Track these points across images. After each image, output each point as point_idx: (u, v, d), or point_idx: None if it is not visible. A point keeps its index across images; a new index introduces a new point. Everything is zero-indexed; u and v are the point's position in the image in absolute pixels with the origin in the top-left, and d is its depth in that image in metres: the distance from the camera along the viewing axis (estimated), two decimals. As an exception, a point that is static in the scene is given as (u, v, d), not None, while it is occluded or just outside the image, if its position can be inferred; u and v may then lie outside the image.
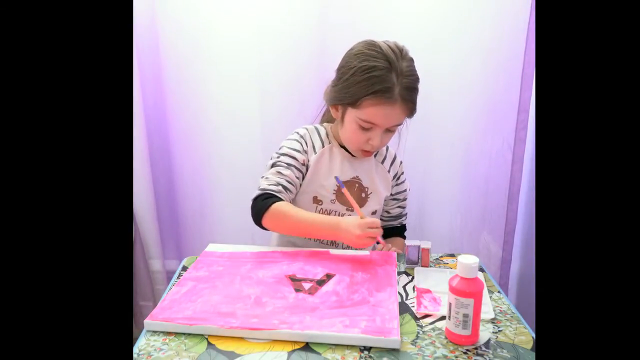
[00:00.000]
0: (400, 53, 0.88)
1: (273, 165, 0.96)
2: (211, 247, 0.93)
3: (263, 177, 0.95)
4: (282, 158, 0.96)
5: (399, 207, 1.08)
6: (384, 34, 1.23)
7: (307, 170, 0.97)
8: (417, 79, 0.89)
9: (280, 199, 0.91)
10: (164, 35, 1.29)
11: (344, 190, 0.91)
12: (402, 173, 1.06)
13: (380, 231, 0.85)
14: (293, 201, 0.98)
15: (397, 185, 1.06)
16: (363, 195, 1.00)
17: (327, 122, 1.04)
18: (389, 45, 0.88)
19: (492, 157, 1.34)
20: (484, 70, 1.27)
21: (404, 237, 1.11)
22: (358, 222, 0.84)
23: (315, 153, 0.98)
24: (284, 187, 0.93)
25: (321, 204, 0.99)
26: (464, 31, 1.24)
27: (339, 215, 0.99)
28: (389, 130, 0.93)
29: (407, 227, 1.13)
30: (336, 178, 0.94)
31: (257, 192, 0.92)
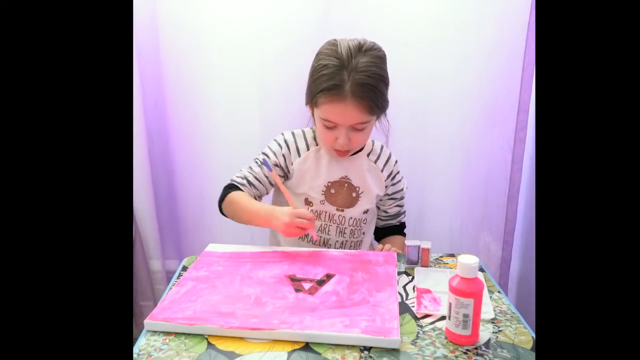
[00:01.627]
0: (359, 50, 0.87)
1: (253, 161, 1.03)
2: (211, 247, 0.93)
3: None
4: (259, 156, 1.02)
5: (397, 206, 1.08)
6: (384, 34, 1.24)
7: (291, 173, 1.01)
8: (373, 76, 0.87)
9: (239, 190, 0.98)
10: (164, 34, 1.29)
11: (274, 175, 0.93)
12: (398, 172, 1.06)
13: (311, 225, 0.86)
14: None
15: (393, 185, 1.06)
16: (354, 194, 1.01)
17: None
18: (348, 43, 0.88)
19: (492, 157, 1.34)
20: (484, 71, 1.27)
21: (404, 235, 1.12)
22: (289, 211, 0.87)
23: (300, 156, 1.00)
24: (248, 182, 1.00)
25: (312, 205, 1.01)
26: (464, 31, 1.24)
27: (329, 215, 1.01)
28: (356, 129, 0.91)
29: (406, 225, 1.13)
30: (265, 161, 0.96)
31: (225, 184, 1.00)
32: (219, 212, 1.01)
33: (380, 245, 1.01)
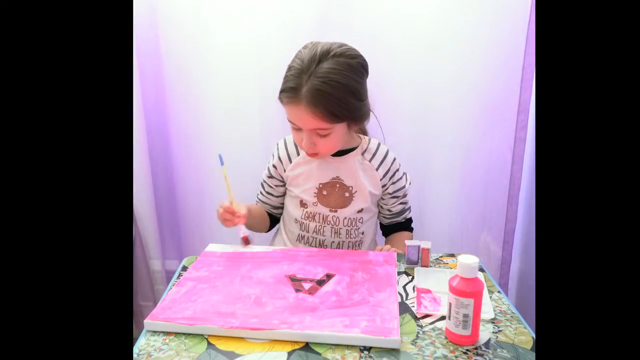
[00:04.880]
0: (325, 55, 0.85)
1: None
2: (211, 247, 0.93)
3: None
4: (264, 172, 1.09)
5: (400, 204, 1.07)
6: (384, 35, 1.24)
7: (285, 180, 1.05)
8: (330, 83, 0.84)
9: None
10: (164, 35, 1.29)
11: (223, 170, 0.96)
12: (397, 170, 1.04)
13: (232, 217, 0.94)
14: (286, 207, 1.08)
15: (393, 183, 1.03)
16: (347, 194, 1.00)
17: None
18: (318, 48, 0.87)
19: (492, 157, 1.34)
20: (484, 70, 1.27)
21: (411, 230, 1.11)
22: (221, 203, 0.95)
23: (291, 162, 1.03)
24: (261, 201, 1.11)
25: (306, 207, 1.03)
26: (464, 31, 1.24)
27: (322, 217, 1.02)
28: (320, 135, 0.90)
29: (412, 219, 1.12)
30: (219, 156, 0.96)
31: None
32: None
33: (380, 246, 1.01)
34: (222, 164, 0.95)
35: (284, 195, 1.09)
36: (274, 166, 1.05)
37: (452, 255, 0.94)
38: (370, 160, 1.02)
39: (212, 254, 0.90)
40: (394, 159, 1.04)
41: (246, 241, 0.93)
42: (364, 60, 0.91)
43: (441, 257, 0.94)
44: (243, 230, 0.94)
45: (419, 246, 0.87)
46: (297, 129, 0.93)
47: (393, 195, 1.05)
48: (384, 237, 1.13)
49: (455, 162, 1.36)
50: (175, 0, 1.26)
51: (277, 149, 1.05)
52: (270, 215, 1.12)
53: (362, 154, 1.01)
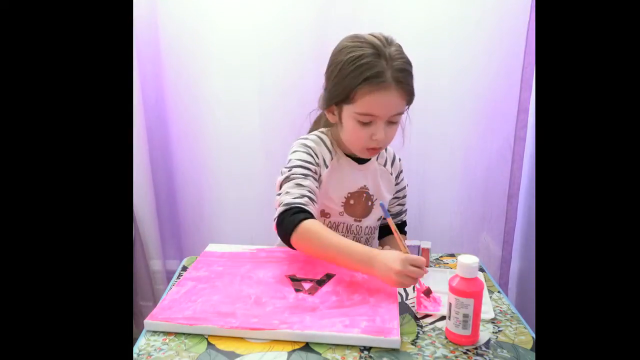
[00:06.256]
0: (386, 40, 0.85)
1: (287, 180, 0.87)
2: (211, 247, 0.93)
3: (280, 193, 0.86)
4: (296, 170, 0.87)
5: (399, 204, 1.07)
6: (384, 33, 1.24)
7: (321, 181, 0.92)
8: (408, 62, 0.85)
9: (309, 213, 0.82)
10: (164, 35, 1.29)
11: (390, 221, 0.82)
12: (402, 171, 1.04)
13: (423, 272, 0.73)
14: None
15: (397, 184, 1.04)
16: (370, 204, 0.98)
17: (325, 126, 0.98)
18: (373, 35, 0.86)
19: (492, 156, 1.34)
20: (484, 70, 1.27)
21: (405, 233, 1.11)
22: (400, 257, 0.72)
23: (327, 167, 0.92)
24: (310, 199, 0.85)
25: (329, 217, 0.95)
26: (464, 31, 1.24)
27: (346, 226, 0.97)
28: (391, 122, 0.87)
29: (407, 223, 1.12)
30: (381, 205, 0.83)
31: (281, 208, 0.83)
32: (283, 243, 0.85)
33: (380, 247, 1.01)
34: (388, 216, 0.82)
35: None
36: (317, 164, 0.91)
37: (452, 255, 0.94)
38: (384, 165, 1.01)
39: (212, 254, 0.90)
40: (400, 159, 1.04)
41: (429, 292, 0.78)
42: None
43: (441, 257, 0.94)
44: (422, 283, 0.77)
45: (419, 246, 0.87)
46: (366, 123, 0.85)
47: (394, 196, 1.05)
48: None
49: (455, 161, 1.36)
50: (175, 1, 1.26)
51: (313, 149, 0.92)
52: None
53: (377, 159, 0.99)
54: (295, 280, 0.79)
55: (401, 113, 0.88)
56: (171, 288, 0.78)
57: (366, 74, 0.82)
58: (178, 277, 0.84)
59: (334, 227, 0.97)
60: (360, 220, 0.98)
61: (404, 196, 1.07)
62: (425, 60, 1.27)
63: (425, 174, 1.36)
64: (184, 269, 0.86)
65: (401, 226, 1.10)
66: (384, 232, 1.10)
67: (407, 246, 0.87)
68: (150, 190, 1.38)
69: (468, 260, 0.63)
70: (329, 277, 0.81)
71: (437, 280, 0.82)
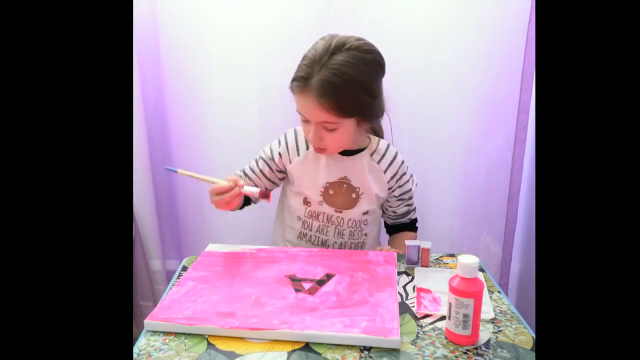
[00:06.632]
0: (340, 47, 0.84)
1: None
2: (211, 247, 0.93)
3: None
4: (263, 151, 1.04)
5: (405, 206, 1.06)
6: (383, 34, 1.24)
7: (289, 172, 1.01)
8: (342, 76, 0.83)
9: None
10: (164, 35, 1.29)
11: (180, 172, 0.93)
12: (405, 173, 1.02)
13: (233, 193, 0.88)
14: (287, 200, 1.05)
15: (400, 187, 1.02)
16: (353, 195, 0.99)
17: None
18: (334, 40, 0.85)
19: (492, 157, 1.34)
20: (484, 71, 1.27)
21: (416, 230, 1.11)
22: (209, 190, 0.92)
23: (299, 155, 0.99)
24: (245, 173, 1.05)
25: (310, 205, 1.01)
26: (464, 31, 1.24)
27: (327, 216, 1.00)
28: (327, 129, 0.88)
29: (417, 219, 1.12)
30: (167, 168, 0.94)
31: None
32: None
33: (380, 247, 1.01)
34: (174, 170, 0.92)
35: (274, 183, 1.06)
36: (280, 154, 1.01)
37: (452, 255, 0.94)
38: (378, 162, 1.00)
39: (212, 254, 0.90)
40: (402, 162, 1.02)
41: (265, 195, 0.89)
42: (381, 58, 0.89)
43: (441, 257, 0.94)
44: (253, 189, 0.89)
45: (419, 246, 0.87)
46: (305, 121, 0.90)
47: (399, 198, 1.04)
48: (387, 235, 1.13)
49: (456, 162, 1.36)
50: (175, 1, 1.26)
51: (286, 137, 1.01)
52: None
53: (371, 155, 0.99)
54: (295, 280, 0.79)
55: (334, 122, 0.87)
56: (171, 288, 0.78)
57: (295, 75, 0.87)
58: (178, 277, 0.84)
59: (314, 216, 1.00)
60: (341, 211, 0.99)
61: (410, 197, 1.06)
62: (425, 62, 1.27)
63: (425, 175, 1.36)
64: (184, 269, 0.86)
65: (410, 224, 1.10)
66: (394, 230, 1.11)
67: (408, 246, 0.88)
68: (150, 190, 1.38)
69: (468, 260, 0.63)
70: (329, 277, 0.81)
71: (437, 280, 0.82)
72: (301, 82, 0.85)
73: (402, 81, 1.28)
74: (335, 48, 0.84)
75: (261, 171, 1.03)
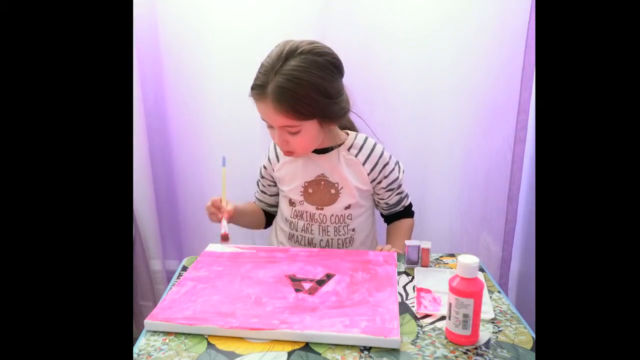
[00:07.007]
0: (292, 52, 0.86)
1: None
2: (211, 247, 0.93)
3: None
4: (259, 172, 1.11)
5: (396, 194, 1.06)
6: (383, 34, 1.24)
7: (276, 179, 1.07)
8: (295, 80, 0.84)
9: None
10: (164, 35, 1.29)
11: (223, 170, 0.96)
12: (387, 163, 1.01)
13: (216, 212, 0.95)
14: (280, 204, 1.10)
15: (385, 177, 1.02)
16: (333, 191, 1.00)
17: None
18: (286, 46, 0.87)
19: (492, 157, 1.34)
20: (484, 71, 1.27)
21: (412, 216, 1.11)
22: (212, 198, 0.98)
23: (279, 162, 1.04)
24: (257, 199, 1.15)
25: (295, 206, 1.04)
26: (464, 31, 1.24)
27: (309, 215, 1.03)
28: (290, 132, 0.90)
29: (412, 204, 1.12)
30: (223, 158, 0.97)
31: None
32: None
33: (380, 246, 1.01)
34: (224, 164, 0.96)
35: (277, 194, 1.11)
36: (264, 167, 1.08)
37: (452, 255, 0.94)
38: (356, 156, 1.00)
39: (212, 254, 0.90)
40: (382, 152, 1.01)
41: (224, 238, 0.92)
42: (335, 58, 0.90)
43: (441, 257, 0.94)
44: (224, 227, 0.93)
45: (419, 246, 0.87)
46: (270, 127, 0.94)
47: (388, 188, 1.04)
48: (386, 224, 1.14)
49: (456, 162, 1.36)
50: (175, 1, 1.26)
51: (268, 150, 1.07)
52: (266, 213, 1.15)
53: (348, 149, 1.00)
54: (295, 280, 0.79)
55: (294, 126, 0.89)
56: (171, 288, 0.78)
57: (253, 84, 0.90)
58: (178, 277, 0.84)
59: (299, 215, 1.04)
60: (322, 208, 1.02)
61: (399, 186, 1.06)
62: (424, 62, 1.27)
63: (425, 174, 1.36)
64: (184, 269, 0.86)
65: (405, 211, 1.10)
66: (390, 219, 1.11)
67: (408, 246, 0.88)
68: (150, 190, 1.38)
69: (468, 260, 0.63)
70: (329, 277, 0.81)
71: (437, 280, 0.82)
72: (258, 90, 0.88)
73: (402, 81, 1.28)
74: (288, 54, 0.86)
75: (262, 191, 1.12)
